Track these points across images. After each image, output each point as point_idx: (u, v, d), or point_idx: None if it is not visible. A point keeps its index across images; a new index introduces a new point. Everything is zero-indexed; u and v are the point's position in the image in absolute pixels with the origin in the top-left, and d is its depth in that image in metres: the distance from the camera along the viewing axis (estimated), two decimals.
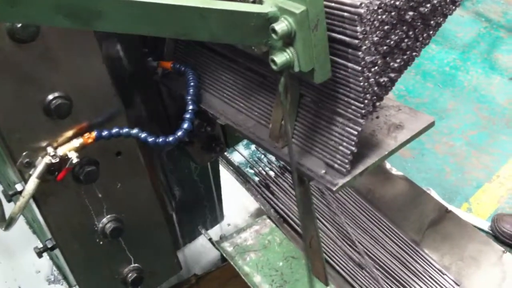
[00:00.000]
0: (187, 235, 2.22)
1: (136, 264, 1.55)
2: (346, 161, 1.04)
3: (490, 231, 2.74)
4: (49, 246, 1.44)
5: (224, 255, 1.92)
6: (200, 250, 2.23)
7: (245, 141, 3.13)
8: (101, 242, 1.45)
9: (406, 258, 2.09)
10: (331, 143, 1.06)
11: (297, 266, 1.93)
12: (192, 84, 1.31)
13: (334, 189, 1.03)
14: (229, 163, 2.46)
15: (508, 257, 2.10)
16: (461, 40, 4.15)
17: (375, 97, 0.97)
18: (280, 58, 0.87)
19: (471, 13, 4.42)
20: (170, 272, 1.68)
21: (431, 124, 1.14)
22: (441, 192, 2.95)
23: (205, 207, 2.16)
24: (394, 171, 2.38)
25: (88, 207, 1.38)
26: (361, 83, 0.93)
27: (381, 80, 0.96)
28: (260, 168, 2.47)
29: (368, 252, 2.06)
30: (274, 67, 0.88)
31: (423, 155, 3.22)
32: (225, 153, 2.68)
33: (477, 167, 3.16)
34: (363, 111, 0.98)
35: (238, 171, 2.42)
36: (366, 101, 0.96)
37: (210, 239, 1.90)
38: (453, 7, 1.01)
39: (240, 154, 2.79)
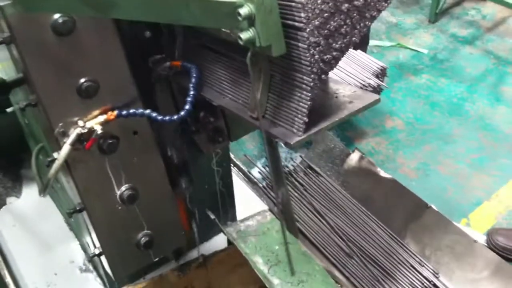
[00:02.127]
0: (203, 233, 2.51)
1: (148, 231, 1.85)
2: (301, 128, 1.34)
3: (486, 244, 2.94)
4: (78, 208, 1.76)
5: (229, 237, 2.20)
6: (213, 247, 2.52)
7: (263, 159, 3.43)
8: (119, 208, 1.76)
9: (391, 250, 2.33)
10: (291, 115, 1.36)
11: (291, 249, 2.18)
12: (194, 75, 1.64)
13: (292, 143, 1.33)
14: (239, 168, 2.76)
15: (479, 246, 2.32)
16: (470, 74, 4.43)
17: (320, 71, 1.27)
18: (244, 35, 1.19)
19: (481, 51, 4.71)
20: (176, 242, 1.97)
21: (377, 101, 1.44)
22: (442, 208, 3.15)
23: (217, 206, 2.46)
24: (382, 173, 2.64)
25: (110, 175, 1.70)
26: (308, 59, 1.24)
27: (325, 57, 1.27)
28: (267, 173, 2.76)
29: (357, 244, 2.31)
30: (240, 42, 1.20)
31: (427, 175, 3.46)
32: (244, 168, 3.00)
33: (478, 187, 3.37)
34: (312, 83, 1.28)
35: (247, 176, 2.72)
36: (312, 75, 1.27)
37: (214, 219, 2.19)
38: (385, 4, 1.31)
39: (258, 168, 3.09)
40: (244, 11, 1.16)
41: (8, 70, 1.99)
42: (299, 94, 1.33)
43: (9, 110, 2.82)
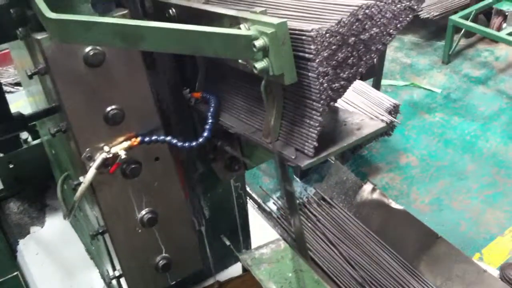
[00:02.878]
0: (218, 263, 2.59)
1: (166, 254, 1.94)
2: (311, 152, 1.43)
3: (500, 279, 2.96)
4: (100, 231, 1.85)
5: (244, 264, 2.27)
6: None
7: (278, 193, 3.52)
8: (139, 230, 1.85)
9: (402, 279, 2.38)
10: (302, 140, 1.46)
11: (304, 277, 2.25)
12: (213, 105, 1.76)
13: (302, 165, 1.42)
14: (254, 200, 2.85)
15: (488, 275, 2.36)
16: (483, 113, 4.52)
17: (329, 98, 1.38)
18: (259, 64, 1.30)
19: (494, 91, 4.81)
20: (193, 266, 2.04)
21: (382, 128, 1.53)
22: (455, 243, 3.19)
23: (232, 233, 2.54)
24: (393, 204, 2.71)
25: (131, 199, 1.79)
26: (318, 87, 1.34)
27: (334, 85, 1.37)
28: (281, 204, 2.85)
29: (369, 273, 2.37)
30: (255, 71, 1.31)
31: (441, 210, 3.52)
32: (259, 200, 3.09)
33: (491, 222, 3.42)
34: (321, 109, 1.38)
35: (262, 207, 2.81)
36: (322, 101, 1.37)
37: (229, 245, 2.27)
38: (389, 38, 1.42)
39: (273, 199, 3.18)
40: (259, 43, 1.28)
41: (39, 103, 2.13)
42: (309, 120, 1.43)
43: (36, 142, 2.97)
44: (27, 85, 2.51)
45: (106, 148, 1.66)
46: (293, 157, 1.46)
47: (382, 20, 1.38)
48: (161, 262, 1.92)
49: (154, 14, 1.69)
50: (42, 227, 3.18)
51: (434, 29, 6.09)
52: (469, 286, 2.36)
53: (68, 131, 1.66)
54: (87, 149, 1.65)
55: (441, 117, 4.52)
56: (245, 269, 2.32)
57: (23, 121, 1.80)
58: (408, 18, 1.44)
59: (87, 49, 1.51)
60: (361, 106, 3.38)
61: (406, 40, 6.01)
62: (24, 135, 3.01)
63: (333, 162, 3.38)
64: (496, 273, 2.97)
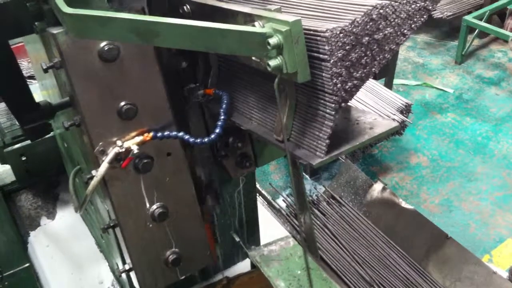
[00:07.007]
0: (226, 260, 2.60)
1: (176, 249, 1.95)
2: (323, 150, 1.44)
3: (509, 280, 2.95)
4: (111, 224, 1.87)
5: (253, 261, 2.28)
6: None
7: (288, 190, 3.53)
8: (150, 225, 1.86)
9: (411, 279, 2.38)
10: (314, 138, 1.46)
11: (312, 275, 2.25)
12: (225, 101, 1.76)
13: (314, 163, 1.42)
14: (264, 197, 2.85)
15: (498, 277, 2.35)
16: (495, 114, 4.50)
17: (341, 99, 1.38)
18: (273, 62, 1.31)
19: (506, 92, 4.78)
20: (203, 261, 2.05)
21: (394, 128, 1.53)
22: (464, 244, 3.18)
23: (242, 231, 2.55)
24: (404, 204, 2.71)
25: (143, 193, 1.81)
26: (331, 87, 1.35)
27: (347, 86, 1.37)
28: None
29: (378, 272, 2.37)
30: (269, 68, 1.32)
31: (451, 211, 3.50)
32: (269, 197, 3.10)
33: (501, 224, 3.40)
34: (333, 110, 1.38)
35: (271, 204, 2.81)
36: (334, 103, 1.37)
37: (238, 241, 2.28)
38: (403, 38, 1.42)
39: (283, 197, 3.19)
40: (273, 40, 1.28)
41: (52, 96, 2.15)
42: (321, 119, 1.43)
43: (48, 135, 2.99)
44: (41, 79, 2.53)
45: (119, 143, 1.67)
46: (304, 155, 1.47)
47: (396, 20, 1.38)
48: (171, 256, 1.93)
49: (169, 10, 1.71)
50: (53, 219, 3.21)
51: (447, 29, 6.06)
52: (478, 287, 2.36)
53: (82, 125, 1.67)
54: (100, 143, 1.66)
55: (453, 118, 4.51)
56: (253, 266, 2.33)
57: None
58: (422, 19, 1.44)
59: (102, 44, 1.52)
60: (373, 105, 3.38)
61: (419, 40, 5.99)
62: None
63: (343, 160, 3.38)
64: (505, 275, 2.96)
